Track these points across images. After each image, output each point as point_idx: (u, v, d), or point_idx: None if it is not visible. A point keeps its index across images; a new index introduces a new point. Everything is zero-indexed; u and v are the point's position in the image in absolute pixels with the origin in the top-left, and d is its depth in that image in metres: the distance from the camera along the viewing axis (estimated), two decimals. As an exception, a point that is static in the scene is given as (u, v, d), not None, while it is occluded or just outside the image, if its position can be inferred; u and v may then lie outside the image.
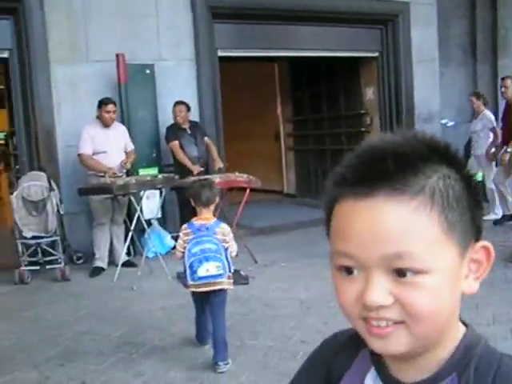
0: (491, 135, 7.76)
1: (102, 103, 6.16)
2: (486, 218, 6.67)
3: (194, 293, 3.68)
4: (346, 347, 0.84)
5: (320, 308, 4.57)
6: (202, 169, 6.60)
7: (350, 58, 9.10)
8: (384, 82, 8.91)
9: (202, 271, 3.51)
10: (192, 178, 6.39)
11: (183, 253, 3.56)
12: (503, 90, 7.51)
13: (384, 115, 8.93)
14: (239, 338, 3.98)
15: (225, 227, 3.70)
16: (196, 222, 3.68)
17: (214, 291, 3.57)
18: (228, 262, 3.59)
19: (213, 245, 3.54)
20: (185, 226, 3.70)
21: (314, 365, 0.89)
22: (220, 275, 3.53)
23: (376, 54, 8.93)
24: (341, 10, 8.19)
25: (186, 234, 3.61)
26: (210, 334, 3.66)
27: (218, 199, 3.96)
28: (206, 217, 3.71)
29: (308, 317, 4.41)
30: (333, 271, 0.75)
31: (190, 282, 3.58)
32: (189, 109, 6.81)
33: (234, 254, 3.70)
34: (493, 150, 7.65)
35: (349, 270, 0.71)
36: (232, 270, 3.68)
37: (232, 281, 3.69)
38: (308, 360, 0.91)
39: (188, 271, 3.54)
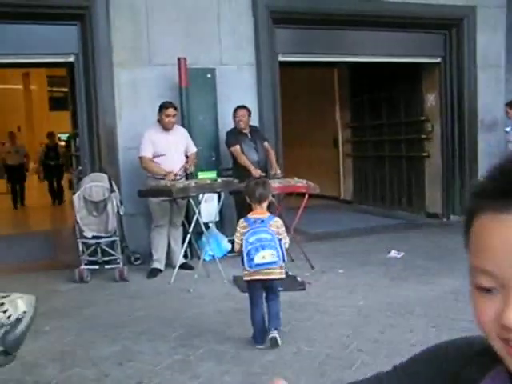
0: None
1: (163, 107, 6.20)
2: None
3: (249, 284, 3.99)
4: (480, 358, 0.79)
5: (377, 317, 4.50)
6: (263, 174, 6.58)
7: (412, 64, 8.93)
8: (447, 88, 8.70)
9: (258, 258, 3.83)
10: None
11: (241, 244, 3.87)
12: None
13: (445, 122, 8.72)
14: (295, 345, 3.94)
15: (278, 220, 4.07)
16: (251, 216, 4.02)
17: (268, 280, 3.92)
18: (282, 251, 3.92)
19: (268, 234, 3.88)
20: (241, 220, 4.04)
21: (435, 371, 0.84)
22: (275, 262, 3.87)
23: (439, 60, 8.73)
24: (404, 14, 8.04)
25: (242, 228, 3.94)
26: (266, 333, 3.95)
27: (270, 197, 4.36)
28: (260, 211, 4.06)
29: (365, 325, 4.34)
30: (471, 287, 0.70)
31: (247, 270, 3.88)
32: (250, 113, 6.82)
33: (286, 245, 4.04)
34: None
35: (487, 288, 0.67)
36: (285, 260, 4.03)
37: (284, 271, 4.06)
38: (425, 363, 0.86)
39: (246, 259, 3.85)
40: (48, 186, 14.64)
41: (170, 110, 6.17)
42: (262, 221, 3.95)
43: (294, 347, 3.90)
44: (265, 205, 4.10)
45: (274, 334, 3.91)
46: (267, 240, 3.86)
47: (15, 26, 6.66)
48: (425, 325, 4.27)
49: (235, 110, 6.77)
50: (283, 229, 4.03)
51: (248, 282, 3.97)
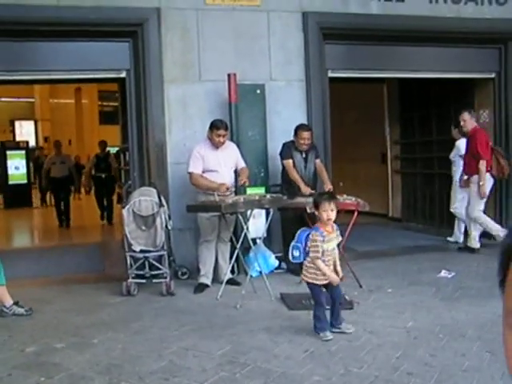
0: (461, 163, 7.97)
1: (214, 126, 6.15)
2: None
3: (319, 286, 4.54)
4: None
5: (427, 339, 4.38)
6: (313, 191, 6.53)
7: (463, 79, 8.76)
8: (501, 103, 8.49)
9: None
10: (299, 199, 6.37)
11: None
12: (462, 123, 7.59)
13: (499, 139, 8.49)
14: (343, 366, 3.86)
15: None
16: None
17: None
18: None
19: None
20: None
21: None
22: None
23: (493, 75, 8.54)
24: (456, 29, 7.89)
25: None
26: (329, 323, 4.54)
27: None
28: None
29: (415, 347, 4.22)
30: (504, 327, 0.66)
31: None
32: (312, 134, 6.82)
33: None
34: (465, 177, 7.79)
35: None
36: None
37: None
38: None
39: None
40: (97, 201, 13.16)
41: (221, 131, 6.14)
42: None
43: (342, 368, 3.82)
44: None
45: (343, 325, 4.59)
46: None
47: (70, 44, 6.84)
48: (478, 349, 4.12)
49: (298, 130, 6.72)
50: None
51: (318, 285, 4.51)
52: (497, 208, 8.66)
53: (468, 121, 7.60)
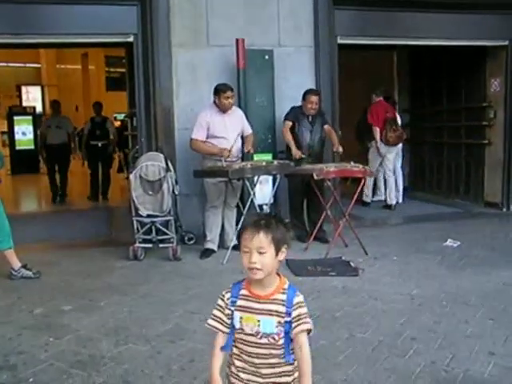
0: None
1: (221, 90, 6.12)
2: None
3: None
4: None
5: (432, 306, 4.42)
6: (303, 156, 6.52)
7: (475, 47, 8.61)
8: (514, 72, 8.38)
9: None
10: (307, 166, 6.35)
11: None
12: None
13: (510, 109, 8.40)
14: (348, 331, 3.89)
15: None
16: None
17: None
18: None
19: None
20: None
21: None
22: None
23: (506, 43, 8.38)
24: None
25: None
26: None
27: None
28: None
29: (419, 314, 4.25)
30: None
31: None
32: (321, 98, 6.78)
33: None
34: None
35: None
36: None
37: None
38: None
39: None
40: (90, 175, 10.91)
41: (229, 93, 6.11)
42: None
43: (347, 333, 3.86)
44: None
45: None
46: None
47: (75, 7, 6.72)
48: (481, 316, 4.15)
49: (307, 94, 6.68)
50: None
51: None
52: (504, 177, 8.62)
53: (373, 99, 9.33)
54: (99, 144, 10.67)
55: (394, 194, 9.11)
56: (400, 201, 9.35)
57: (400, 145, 9.39)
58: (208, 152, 6.15)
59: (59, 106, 11.04)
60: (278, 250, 2.01)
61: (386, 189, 9.32)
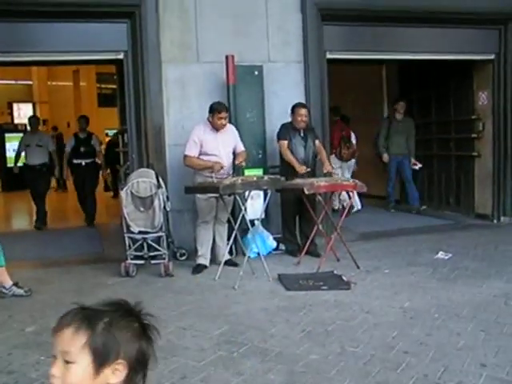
0: None
1: (216, 110, 6.13)
2: None
3: None
4: None
5: (423, 318, 4.42)
6: (308, 169, 6.56)
7: (463, 61, 8.71)
8: (500, 85, 8.46)
9: None
10: (297, 180, 6.38)
11: None
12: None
13: (498, 121, 8.48)
14: (340, 345, 3.89)
15: None
16: None
17: None
18: None
19: None
20: None
21: None
22: None
23: (492, 57, 8.49)
24: (455, 10, 7.83)
25: None
26: None
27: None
28: None
29: (411, 327, 4.25)
30: None
31: None
32: (309, 112, 6.81)
33: None
34: None
35: None
36: None
37: None
38: None
39: None
40: (78, 196, 9.96)
41: (223, 114, 6.13)
42: None
43: (339, 347, 3.86)
44: None
45: None
46: None
47: (67, 25, 6.77)
48: (473, 328, 4.16)
49: (296, 107, 6.71)
50: None
51: None
52: (494, 188, 8.67)
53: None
54: (83, 163, 9.58)
55: (357, 200, 9.73)
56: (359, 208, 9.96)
57: (353, 160, 10.20)
58: (202, 166, 6.15)
59: (37, 122, 10.21)
60: (100, 365, 1.29)
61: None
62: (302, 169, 6.52)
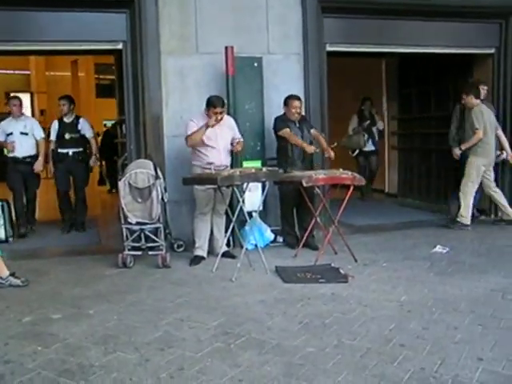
0: None
1: (211, 105, 6.08)
2: None
3: None
4: None
5: (421, 312, 4.42)
6: (317, 150, 6.58)
7: (463, 55, 8.68)
8: (499, 80, 8.46)
9: None
10: (296, 173, 6.36)
11: None
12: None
13: (497, 115, 8.46)
14: (337, 338, 3.89)
15: None
16: None
17: None
18: None
19: None
20: None
21: None
22: None
23: (492, 51, 8.48)
24: (456, 3, 7.82)
25: None
26: None
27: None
28: None
29: (408, 320, 4.26)
30: None
31: None
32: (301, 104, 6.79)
33: None
34: None
35: None
36: None
37: None
38: None
39: None
40: (57, 195, 8.29)
41: (218, 109, 6.07)
42: None
43: (336, 340, 3.86)
44: None
45: None
46: None
47: (65, 14, 6.73)
48: (470, 322, 4.16)
49: (289, 99, 6.69)
50: None
51: None
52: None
53: None
54: (70, 152, 8.02)
55: None
56: None
57: None
58: (201, 133, 6.04)
59: (21, 104, 8.08)
60: None
61: None
62: (311, 148, 6.53)
